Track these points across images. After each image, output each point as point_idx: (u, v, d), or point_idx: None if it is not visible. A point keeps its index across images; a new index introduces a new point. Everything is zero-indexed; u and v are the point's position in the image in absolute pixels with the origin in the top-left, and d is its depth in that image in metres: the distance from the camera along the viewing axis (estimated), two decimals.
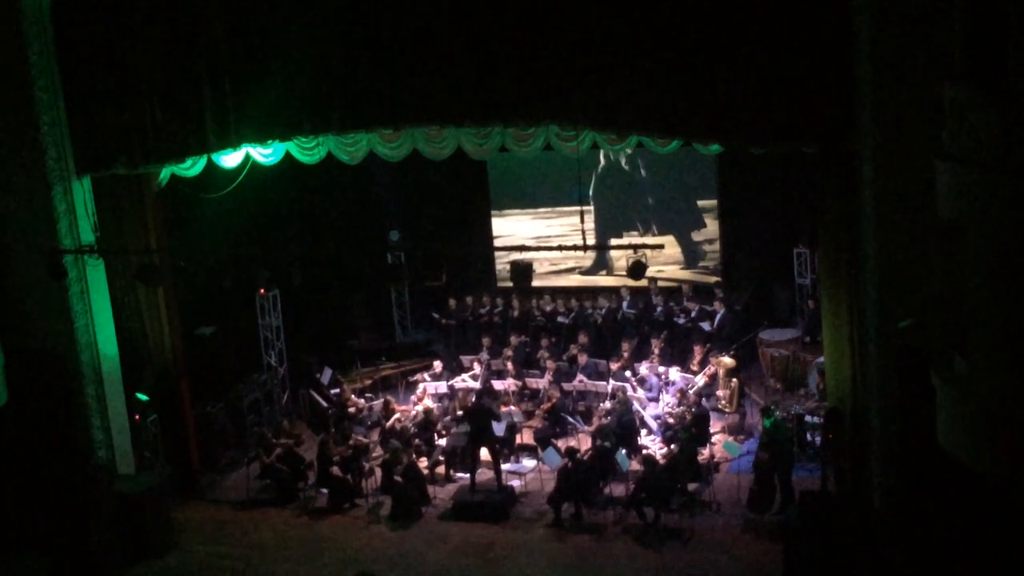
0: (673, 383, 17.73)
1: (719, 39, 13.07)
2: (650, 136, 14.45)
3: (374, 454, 17.08)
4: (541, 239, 21.58)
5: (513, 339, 19.68)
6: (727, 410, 17.63)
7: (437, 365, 19.20)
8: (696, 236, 21.58)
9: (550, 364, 18.53)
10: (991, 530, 11.68)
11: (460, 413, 17.19)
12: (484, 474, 16.14)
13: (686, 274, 21.53)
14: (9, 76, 14.55)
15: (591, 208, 21.52)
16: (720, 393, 17.70)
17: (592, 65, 13.47)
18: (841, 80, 12.72)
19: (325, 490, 16.46)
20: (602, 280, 22.06)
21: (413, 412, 17.87)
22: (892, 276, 12.42)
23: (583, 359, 18.47)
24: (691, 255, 21.56)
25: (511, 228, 22.56)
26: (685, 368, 18.22)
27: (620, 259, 21.31)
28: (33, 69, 14.56)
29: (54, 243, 14.81)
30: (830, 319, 14.11)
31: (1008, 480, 10.82)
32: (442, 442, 17.19)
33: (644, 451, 16.00)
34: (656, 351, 18.56)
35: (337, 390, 18.87)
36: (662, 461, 15.28)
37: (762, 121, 13.20)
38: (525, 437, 17.42)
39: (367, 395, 19.22)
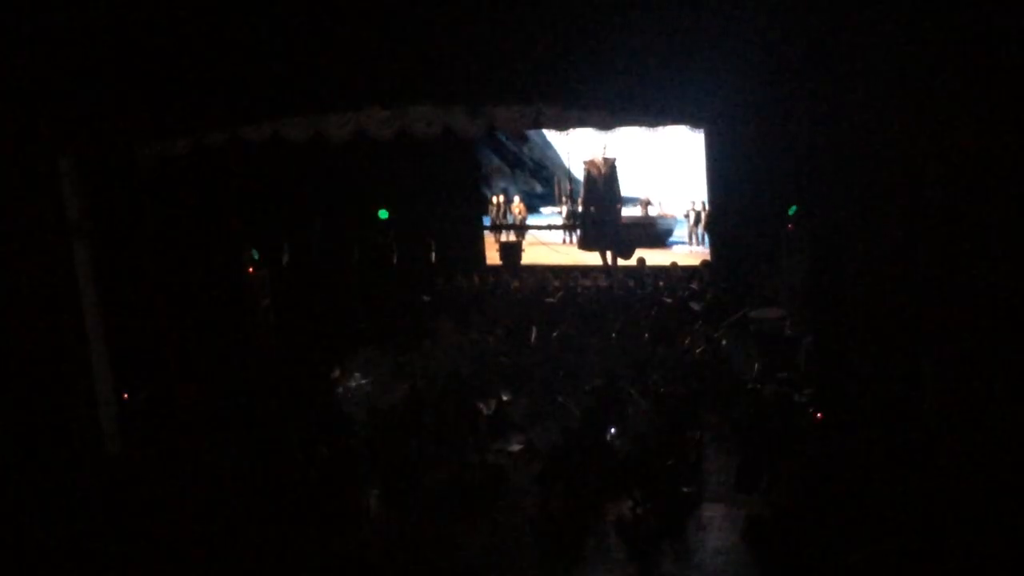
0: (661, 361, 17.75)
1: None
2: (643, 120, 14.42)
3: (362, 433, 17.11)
4: None
5: (501, 317, 19.69)
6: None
7: (426, 343, 19.21)
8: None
9: (538, 343, 18.56)
10: (980, 508, 11.84)
11: (448, 395, 17.18)
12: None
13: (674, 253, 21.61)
14: None
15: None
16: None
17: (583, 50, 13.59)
18: None
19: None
20: (591, 259, 22.09)
21: (401, 391, 17.90)
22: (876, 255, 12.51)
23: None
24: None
25: None
26: (673, 347, 18.27)
27: None
28: None
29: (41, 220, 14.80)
30: (818, 298, 14.22)
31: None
32: (431, 420, 17.24)
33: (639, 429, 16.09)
34: (645, 330, 18.61)
35: None
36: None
37: None
38: (513, 417, 17.47)
39: (356, 374, 19.20)
